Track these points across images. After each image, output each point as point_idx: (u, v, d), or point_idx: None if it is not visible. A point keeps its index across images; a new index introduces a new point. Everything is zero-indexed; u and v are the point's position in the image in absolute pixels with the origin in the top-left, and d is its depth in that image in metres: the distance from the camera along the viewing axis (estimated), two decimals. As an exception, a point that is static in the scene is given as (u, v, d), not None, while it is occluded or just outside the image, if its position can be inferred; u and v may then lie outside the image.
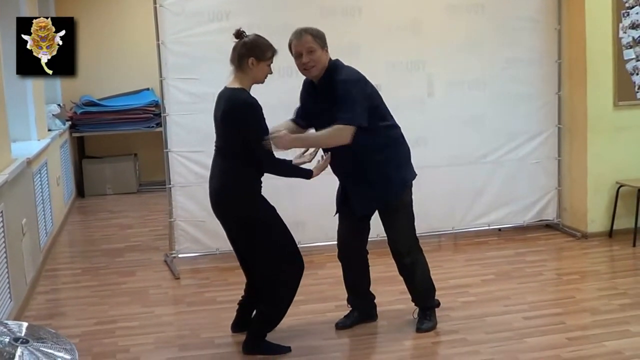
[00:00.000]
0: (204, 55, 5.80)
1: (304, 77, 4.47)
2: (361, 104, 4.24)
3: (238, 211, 4.20)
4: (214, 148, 4.30)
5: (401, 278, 4.64)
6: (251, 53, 4.12)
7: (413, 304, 4.70)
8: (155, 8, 5.83)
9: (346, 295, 4.77)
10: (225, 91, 4.18)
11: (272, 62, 4.19)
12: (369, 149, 4.34)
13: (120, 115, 9.21)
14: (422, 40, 6.29)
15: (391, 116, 4.49)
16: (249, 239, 4.25)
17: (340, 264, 4.70)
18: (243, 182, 4.15)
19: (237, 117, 4.09)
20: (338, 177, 4.57)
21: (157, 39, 5.86)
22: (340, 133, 4.21)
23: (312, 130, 4.48)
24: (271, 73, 4.23)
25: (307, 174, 4.29)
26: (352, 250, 4.65)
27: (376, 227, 4.63)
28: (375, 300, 4.79)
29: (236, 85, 4.14)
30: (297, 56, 4.29)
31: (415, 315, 4.68)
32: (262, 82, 4.21)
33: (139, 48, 9.04)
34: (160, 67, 5.90)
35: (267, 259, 4.24)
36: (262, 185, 4.23)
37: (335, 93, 4.23)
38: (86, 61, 8.85)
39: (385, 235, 4.57)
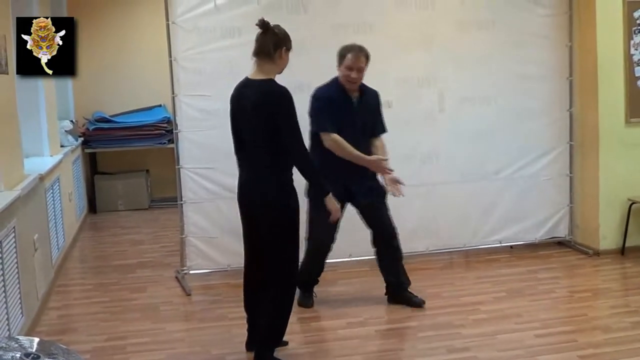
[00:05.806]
0: (216, 71, 5.81)
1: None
2: None
3: (279, 200, 4.14)
4: (232, 140, 4.28)
5: None
6: (283, 43, 4.17)
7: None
8: (167, 25, 5.85)
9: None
10: (254, 82, 4.16)
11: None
12: None
13: (132, 131, 9.26)
14: (433, 56, 6.30)
15: None
16: (275, 229, 4.17)
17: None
18: (284, 171, 4.14)
19: (278, 108, 4.06)
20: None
21: (170, 56, 5.88)
22: None
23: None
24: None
25: (327, 190, 4.30)
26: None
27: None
28: None
29: (265, 77, 4.13)
30: (348, 69, 4.81)
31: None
32: (282, 72, 4.23)
33: (151, 65, 9.04)
34: (173, 84, 5.91)
35: (284, 252, 4.19)
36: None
37: (373, 102, 5.05)
38: (98, 77, 8.99)
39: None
